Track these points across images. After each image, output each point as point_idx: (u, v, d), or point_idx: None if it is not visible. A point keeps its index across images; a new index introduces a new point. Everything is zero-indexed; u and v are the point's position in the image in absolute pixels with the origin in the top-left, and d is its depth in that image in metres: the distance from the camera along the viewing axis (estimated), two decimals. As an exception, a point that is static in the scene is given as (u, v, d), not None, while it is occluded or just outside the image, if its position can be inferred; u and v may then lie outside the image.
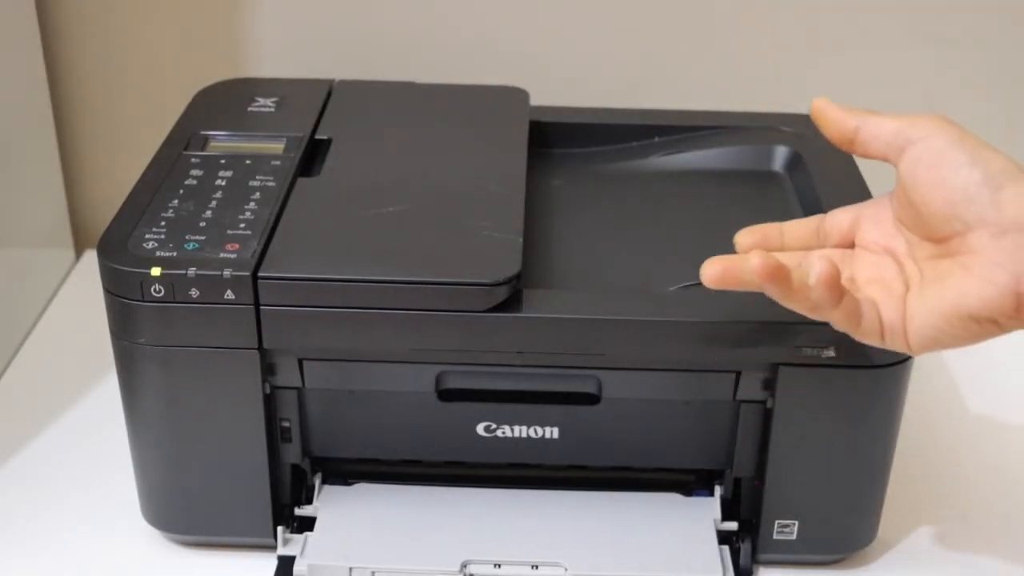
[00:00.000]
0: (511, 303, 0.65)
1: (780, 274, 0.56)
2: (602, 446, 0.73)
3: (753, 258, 0.56)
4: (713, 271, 0.59)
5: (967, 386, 0.91)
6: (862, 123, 0.61)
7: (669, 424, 0.71)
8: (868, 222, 0.63)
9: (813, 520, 0.71)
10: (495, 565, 0.70)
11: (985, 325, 0.56)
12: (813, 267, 0.56)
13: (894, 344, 0.59)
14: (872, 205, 0.64)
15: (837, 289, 0.56)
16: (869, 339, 0.59)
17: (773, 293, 0.57)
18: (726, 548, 0.72)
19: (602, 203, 0.81)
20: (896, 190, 0.61)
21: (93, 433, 0.83)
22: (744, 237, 0.65)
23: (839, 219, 0.65)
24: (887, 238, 0.62)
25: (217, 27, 1.02)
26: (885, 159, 0.60)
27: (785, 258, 0.61)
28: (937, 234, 0.58)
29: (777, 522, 0.71)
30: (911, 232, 0.61)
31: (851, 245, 0.64)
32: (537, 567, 0.70)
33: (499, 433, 0.71)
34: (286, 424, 0.71)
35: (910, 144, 0.59)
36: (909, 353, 0.60)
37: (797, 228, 0.66)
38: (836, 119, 0.62)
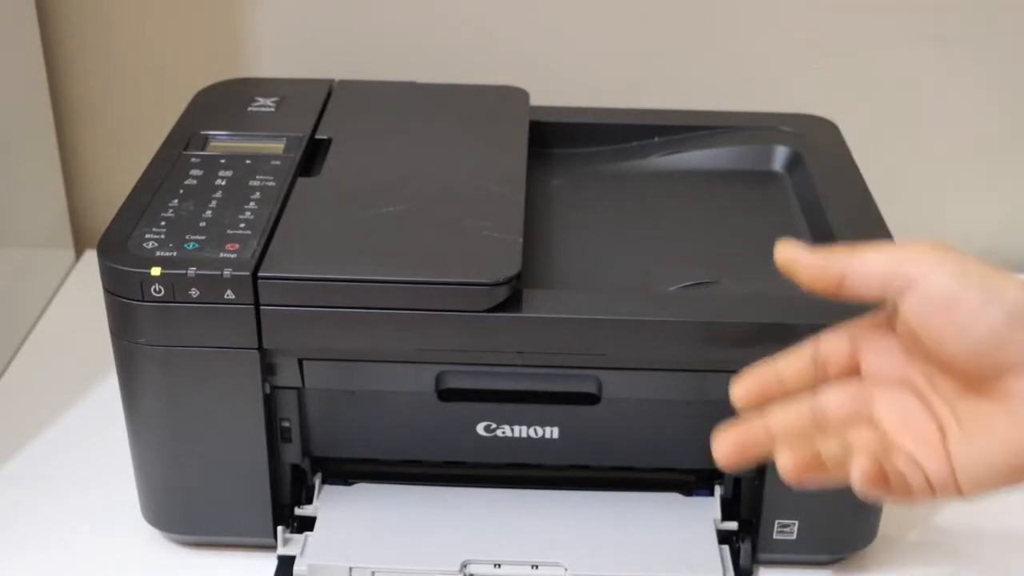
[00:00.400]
0: (511, 303, 0.65)
1: (815, 466, 0.52)
2: (602, 446, 0.73)
3: (784, 458, 0.51)
4: (725, 449, 0.54)
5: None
6: (846, 268, 0.54)
7: (669, 424, 0.71)
8: (871, 351, 0.57)
9: (813, 520, 0.71)
10: (495, 565, 0.70)
11: None
12: (854, 467, 0.51)
13: (945, 495, 0.53)
14: (870, 331, 0.58)
15: (884, 482, 0.52)
16: (920, 499, 0.54)
17: (810, 484, 0.53)
18: (726, 548, 0.72)
19: (602, 203, 0.81)
20: (899, 325, 0.55)
21: (93, 433, 0.83)
22: (740, 390, 0.58)
23: (835, 347, 0.58)
24: (899, 369, 0.56)
25: (217, 27, 1.02)
26: (880, 301, 0.55)
27: (787, 415, 0.56)
28: (964, 374, 0.53)
29: (777, 522, 0.71)
30: (927, 365, 0.55)
31: (855, 371, 0.58)
32: (537, 567, 0.70)
33: (499, 433, 0.71)
34: (286, 424, 0.71)
35: (910, 286, 0.53)
36: (962, 499, 0.54)
37: (793, 365, 0.58)
38: (814, 268, 0.55)
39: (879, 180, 0.82)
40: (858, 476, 0.51)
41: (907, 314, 0.53)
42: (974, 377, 0.53)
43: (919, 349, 0.55)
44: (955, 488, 0.53)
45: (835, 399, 0.56)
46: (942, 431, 0.54)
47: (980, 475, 0.52)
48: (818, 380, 0.58)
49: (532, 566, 0.70)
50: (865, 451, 0.52)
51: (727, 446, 0.55)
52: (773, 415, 0.54)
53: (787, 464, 0.52)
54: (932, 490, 0.53)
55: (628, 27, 1.01)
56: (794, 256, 0.56)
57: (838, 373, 0.58)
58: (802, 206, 0.79)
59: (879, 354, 0.57)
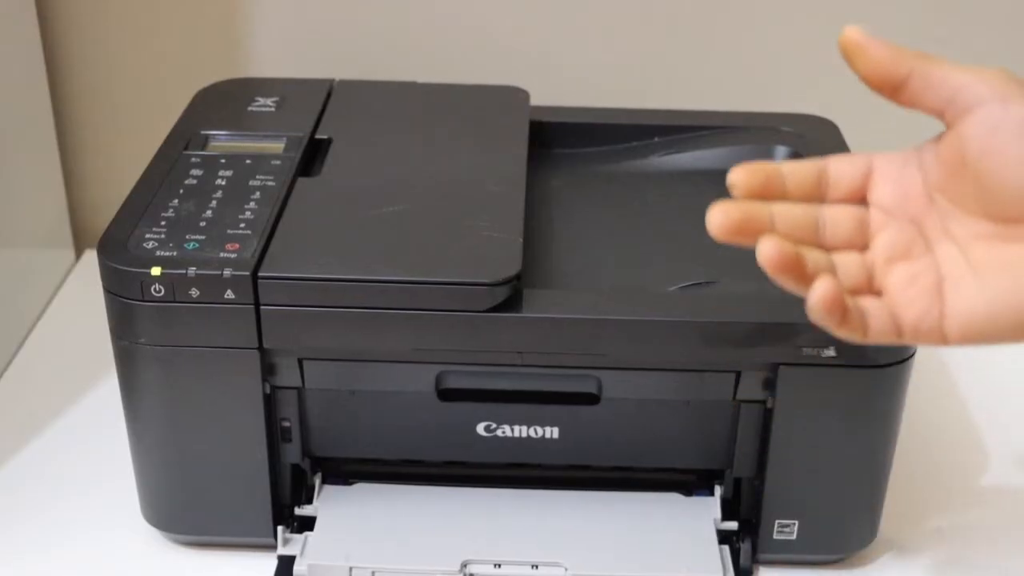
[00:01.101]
0: (511, 303, 0.65)
1: (795, 265, 0.49)
2: (602, 446, 0.73)
3: (767, 246, 0.49)
4: (720, 219, 0.51)
5: (967, 386, 0.91)
6: (917, 69, 0.51)
7: (669, 424, 0.71)
8: (887, 182, 0.54)
9: (813, 520, 0.71)
10: (495, 565, 0.70)
11: None
12: (814, 291, 0.49)
13: (918, 340, 0.51)
14: (889, 161, 0.55)
15: (839, 311, 0.49)
16: (879, 341, 0.51)
17: (782, 282, 0.50)
18: (726, 548, 0.72)
19: (602, 203, 0.81)
20: (941, 152, 0.52)
21: (93, 433, 0.83)
22: (741, 174, 0.53)
23: (848, 169, 0.55)
24: (912, 205, 0.53)
25: (217, 27, 1.02)
26: (939, 115, 0.51)
27: (792, 212, 0.53)
28: (1006, 212, 0.50)
29: (777, 522, 0.71)
30: (953, 203, 0.52)
31: (861, 200, 0.55)
32: (537, 567, 0.70)
33: (499, 433, 0.71)
34: (286, 424, 0.71)
35: (980, 105, 0.49)
36: (940, 344, 0.51)
37: (798, 173, 0.54)
38: (880, 59, 0.52)
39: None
40: (814, 298, 0.49)
41: (970, 134, 0.50)
42: (1015, 218, 0.50)
43: (959, 184, 0.51)
44: (938, 331, 0.50)
45: (838, 214, 0.53)
46: (938, 272, 0.51)
47: (978, 322, 0.49)
48: (820, 198, 0.54)
49: (532, 566, 0.70)
50: (833, 276, 0.50)
51: (726, 217, 0.51)
52: (778, 207, 0.50)
53: (770, 251, 0.49)
54: (899, 332, 0.51)
55: (628, 27, 1.01)
56: (860, 42, 0.53)
57: (842, 198, 0.54)
58: (802, 206, 0.79)
59: (894, 185, 0.54)
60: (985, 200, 0.51)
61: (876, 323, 0.51)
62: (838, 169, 0.55)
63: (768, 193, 0.53)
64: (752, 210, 0.51)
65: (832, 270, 0.52)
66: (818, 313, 0.50)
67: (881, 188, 0.54)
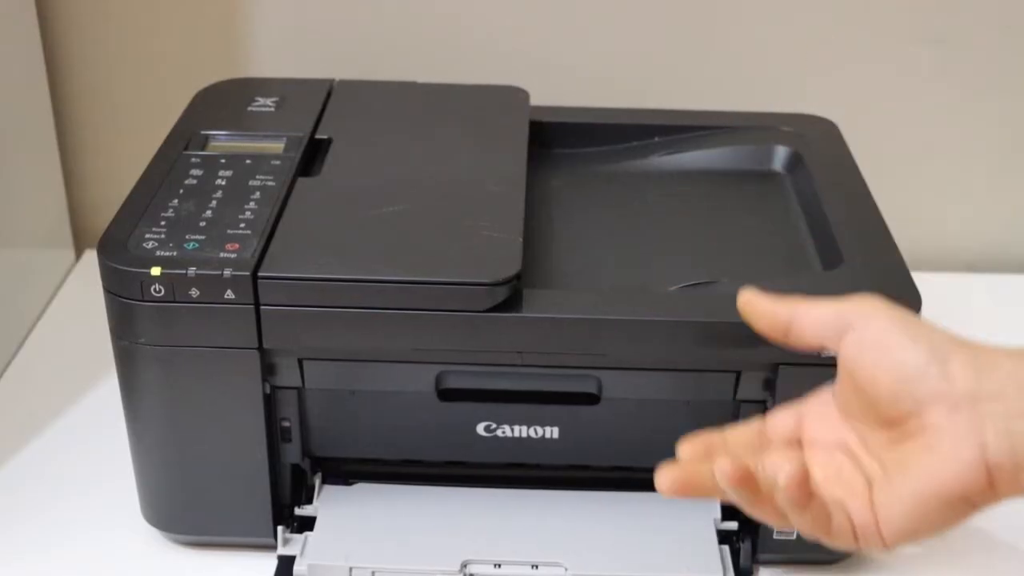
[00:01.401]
0: (511, 303, 0.65)
1: (749, 479, 0.54)
2: (602, 446, 0.73)
3: (722, 464, 0.53)
4: (668, 480, 0.55)
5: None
6: (795, 313, 0.58)
7: (669, 424, 0.71)
8: (813, 420, 0.60)
9: (813, 520, 0.71)
10: (495, 565, 0.70)
11: (959, 507, 0.53)
12: (781, 469, 0.54)
13: (867, 543, 0.55)
14: (814, 403, 0.61)
15: (807, 491, 0.54)
16: (841, 542, 0.56)
17: (740, 499, 0.55)
18: (726, 548, 0.72)
19: (602, 203, 0.81)
20: (839, 379, 0.58)
21: (93, 433, 0.83)
22: (686, 448, 0.59)
23: (781, 421, 0.61)
24: (835, 432, 0.59)
25: (217, 27, 1.02)
26: (822, 347, 0.58)
27: (736, 458, 0.57)
28: (889, 416, 0.55)
29: (777, 522, 0.71)
30: (860, 422, 0.58)
31: (797, 446, 0.60)
32: (537, 567, 0.70)
33: (499, 433, 0.71)
34: (286, 424, 0.71)
35: (850, 329, 0.56)
36: (885, 550, 0.56)
37: (739, 434, 0.61)
38: (766, 312, 0.59)
39: (879, 180, 0.82)
40: (784, 476, 0.53)
41: (844, 356, 0.56)
42: (898, 419, 0.55)
43: (853, 402, 0.57)
44: (877, 535, 0.55)
45: (775, 456, 0.57)
46: (869, 484, 0.56)
47: (901, 516, 0.54)
48: (762, 449, 0.60)
49: (532, 566, 0.70)
50: (797, 461, 0.55)
51: (670, 479, 0.55)
52: (717, 459, 0.55)
53: (727, 467, 0.53)
54: (854, 535, 0.55)
55: (628, 27, 1.01)
56: (750, 300, 0.60)
57: (782, 445, 0.60)
58: (802, 206, 0.79)
59: (819, 421, 0.60)
60: (871, 409, 0.56)
61: (837, 518, 0.55)
62: (774, 423, 0.61)
63: (711, 454, 0.58)
64: (695, 470, 0.56)
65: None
66: (789, 491, 0.53)
67: (811, 429, 0.60)
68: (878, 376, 0.55)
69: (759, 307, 0.60)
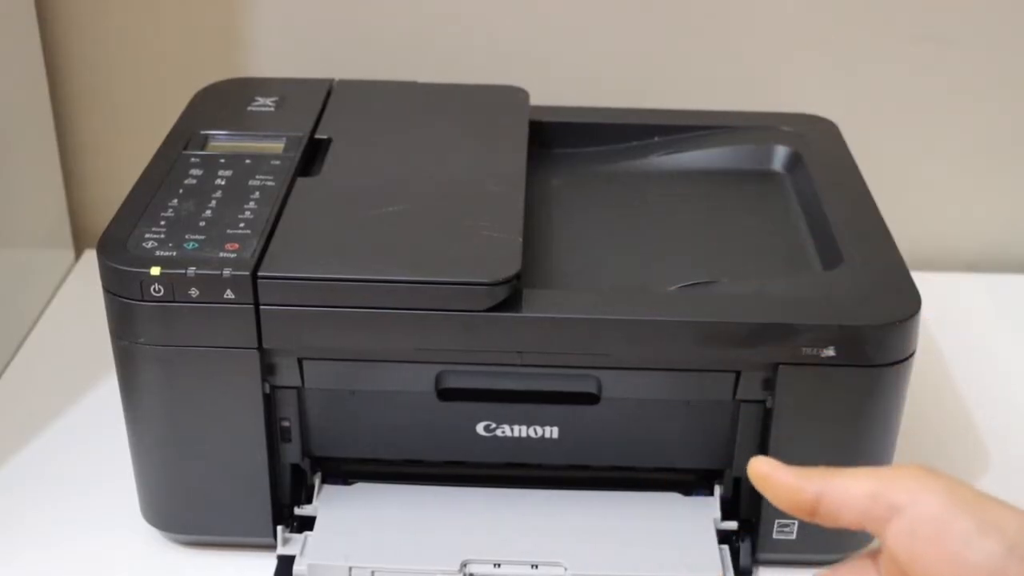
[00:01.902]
0: (511, 303, 0.65)
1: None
2: (602, 446, 0.73)
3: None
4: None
5: (967, 386, 0.91)
6: (824, 491, 0.49)
7: (669, 424, 0.71)
8: None
9: (813, 520, 0.71)
10: (495, 565, 0.70)
11: None
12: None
13: None
14: (847, 570, 0.52)
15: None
16: None
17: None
18: (726, 548, 0.72)
19: (602, 203, 0.81)
20: (884, 564, 0.50)
21: (93, 433, 0.83)
22: None
23: None
24: None
25: (217, 27, 1.02)
26: (861, 529, 0.49)
27: None
28: None
29: (777, 521, 0.71)
30: None
31: None
32: (537, 567, 0.70)
33: (499, 433, 0.71)
34: (286, 424, 0.71)
35: (896, 514, 0.47)
36: None
37: None
38: (787, 487, 0.50)
39: (879, 180, 0.82)
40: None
41: (893, 544, 0.48)
42: None
43: None
44: None
45: None
46: None
47: None
48: None
49: (532, 566, 0.70)
50: None
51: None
52: None
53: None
54: None
55: (628, 27, 1.01)
56: (767, 472, 0.51)
57: None
58: (802, 206, 0.79)
59: None
60: None
61: None
62: None
63: None
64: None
65: None
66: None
67: None
68: (941, 570, 0.46)
69: (777, 481, 0.51)
